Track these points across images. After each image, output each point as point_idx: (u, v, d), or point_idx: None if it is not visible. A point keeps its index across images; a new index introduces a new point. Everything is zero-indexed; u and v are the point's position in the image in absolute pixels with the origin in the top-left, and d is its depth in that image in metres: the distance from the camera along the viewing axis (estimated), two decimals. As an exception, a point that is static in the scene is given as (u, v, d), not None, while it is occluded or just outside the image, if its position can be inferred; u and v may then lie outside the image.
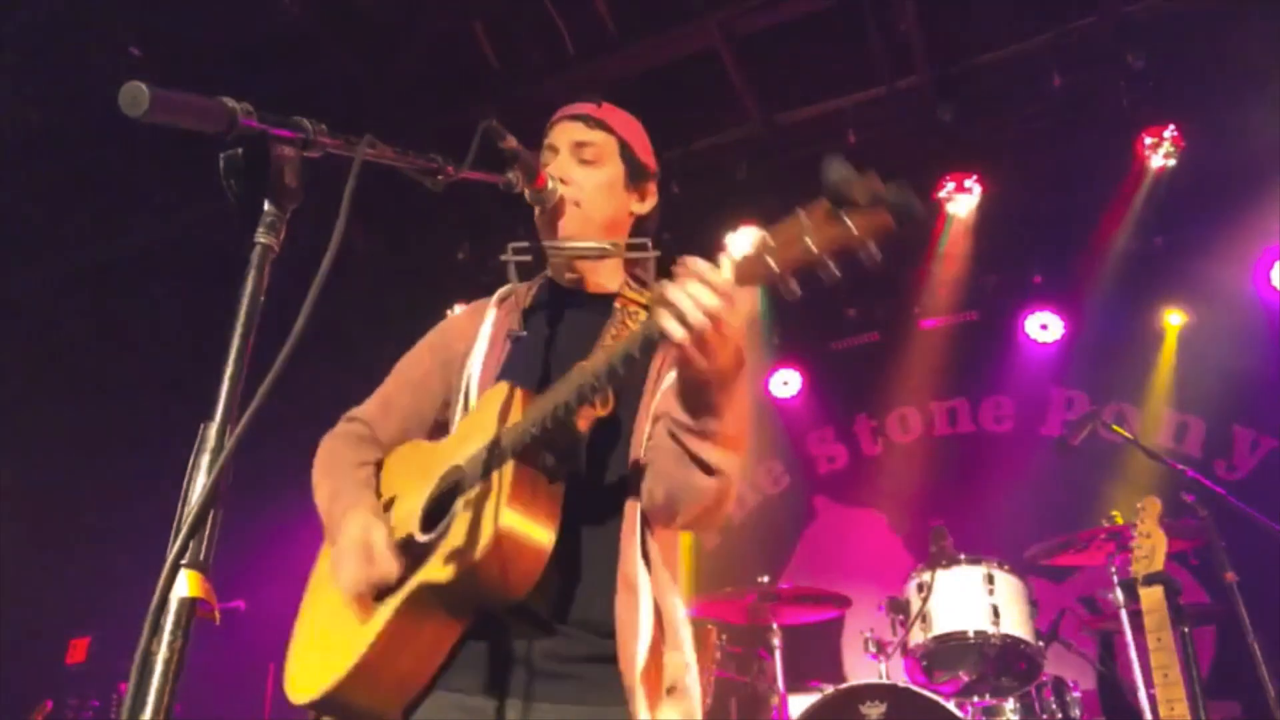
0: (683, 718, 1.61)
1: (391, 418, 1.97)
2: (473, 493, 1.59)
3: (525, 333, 1.89)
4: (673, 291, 1.31)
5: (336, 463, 1.89)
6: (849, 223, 1.17)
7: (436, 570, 1.56)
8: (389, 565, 1.60)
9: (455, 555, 1.53)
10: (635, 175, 1.96)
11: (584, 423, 1.62)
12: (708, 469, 1.52)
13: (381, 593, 1.63)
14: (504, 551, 1.50)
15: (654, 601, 1.63)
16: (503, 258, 1.88)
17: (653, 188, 2.01)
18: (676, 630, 1.67)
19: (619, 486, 1.69)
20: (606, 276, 1.95)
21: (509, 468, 1.55)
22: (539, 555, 1.54)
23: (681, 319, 1.31)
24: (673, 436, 1.54)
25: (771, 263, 1.23)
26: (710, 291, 1.29)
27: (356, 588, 1.61)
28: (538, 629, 1.61)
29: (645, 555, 1.66)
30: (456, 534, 1.56)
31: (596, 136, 1.93)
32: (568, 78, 5.35)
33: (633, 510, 1.66)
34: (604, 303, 1.91)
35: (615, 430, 1.71)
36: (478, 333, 1.95)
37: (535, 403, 1.59)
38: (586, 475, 1.69)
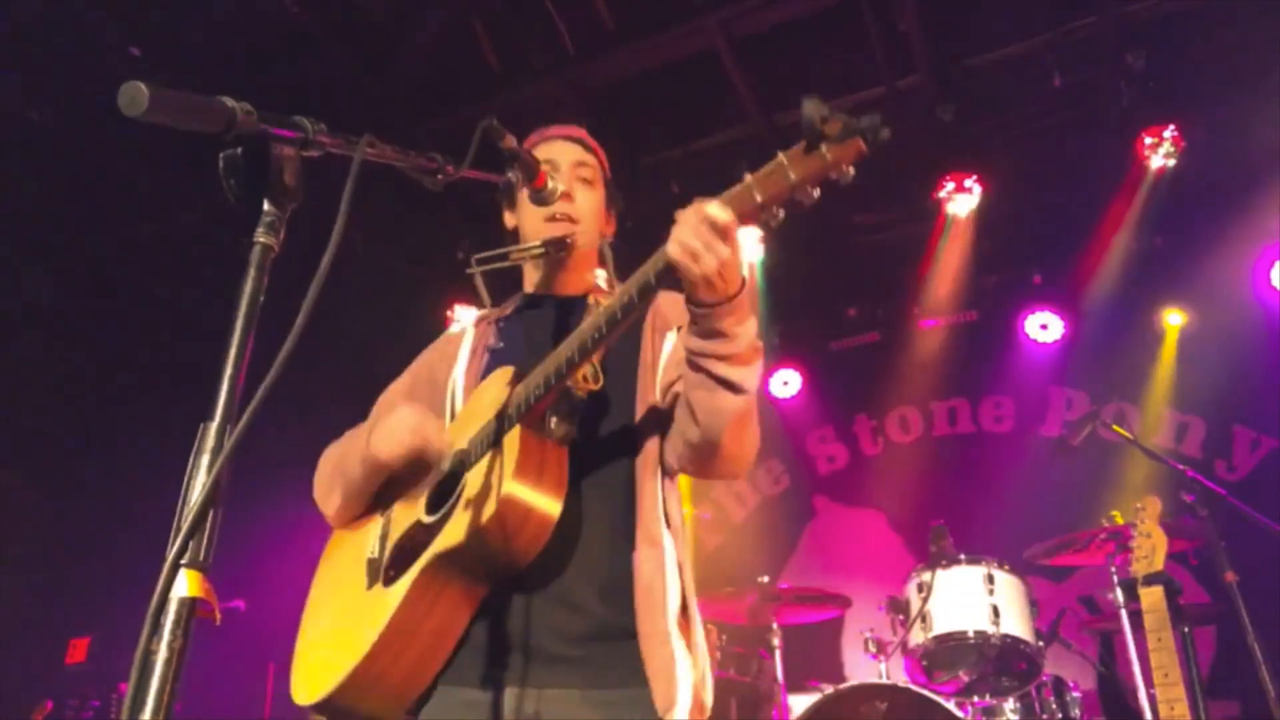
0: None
1: None
2: (481, 464, 1.64)
3: (502, 344, 1.95)
4: (677, 227, 1.47)
5: (347, 441, 1.98)
6: (825, 153, 1.34)
7: (449, 537, 1.59)
8: (439, 436, 1.73)
9: (466, 521, 1.57)
10: (611, 202, 2.06)
11: (581, 393, 1.67)
12: (732, 386, 1.56)
13: (390, 577, 1.67)
14: (510, 516, 1.54)
15: (678, 559, 1.68)
16: (468, 270, 1.94)
17: (614, 218, 2.10)
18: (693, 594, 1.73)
19: (622, 456, 1.73)
20: (573, 282, 2.00)
21: (515, 434, 1.60)
22: (545, 520, 1.58)
23: (678, 241, 1.44)
24: (694, 366, 1.58)
25: (757, 195, 1.38)
26: (697, 218, 1.43)
27: (410, 440, 1.70)
28: (541, 608, 1.62)
29: (666, 518, 1.70)
30: (466, 502, 1.61)
31: (591, 160, 2.02)
32: (568, 78, 5.34)
33: (646, 474, 1.70)
34: (575, 303, 1.97)
35: (608, 407, 1.77)
36: (458, 352, 2.01)
37: (537, 369, 1.64)
38: (586, 446, 1.72)
